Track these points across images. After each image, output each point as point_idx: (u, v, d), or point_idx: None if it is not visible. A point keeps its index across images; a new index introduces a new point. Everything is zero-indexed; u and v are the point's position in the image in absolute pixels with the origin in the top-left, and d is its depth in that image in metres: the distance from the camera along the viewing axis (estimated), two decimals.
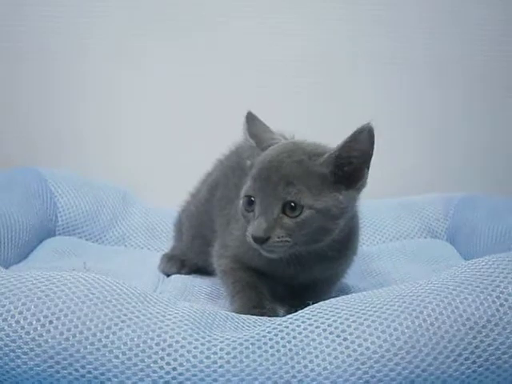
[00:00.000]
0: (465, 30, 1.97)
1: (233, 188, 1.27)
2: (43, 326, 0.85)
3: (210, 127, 1.90)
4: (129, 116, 2.02)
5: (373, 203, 1.76)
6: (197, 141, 1.90)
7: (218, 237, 1.30)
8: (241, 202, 1.12)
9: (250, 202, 1.09)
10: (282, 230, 1.05)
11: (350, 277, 1.39)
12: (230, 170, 1.34)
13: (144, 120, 2.01)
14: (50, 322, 0.85)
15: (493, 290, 0.88)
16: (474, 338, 0.84)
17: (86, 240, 1.68)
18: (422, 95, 2.01)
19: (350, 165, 1.09)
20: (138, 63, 1.99)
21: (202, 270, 1.43)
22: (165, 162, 2.00)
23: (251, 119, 1.17)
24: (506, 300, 0.87)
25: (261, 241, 1.05)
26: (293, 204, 1.05)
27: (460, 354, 0.83)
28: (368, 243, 1.66)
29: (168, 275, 1.46)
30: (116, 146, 2.03)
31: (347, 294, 1.03)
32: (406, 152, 2.03)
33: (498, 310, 0.86)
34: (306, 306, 0.94)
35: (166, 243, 1.61)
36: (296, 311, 0.93)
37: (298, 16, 1.98)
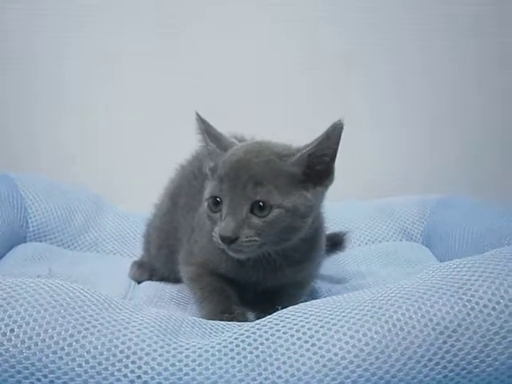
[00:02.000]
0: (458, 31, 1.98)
1: (196, 195, 1.26)
2: (4, 334, 0.83)
3: (184, 133, 1.88)
4: (101, 121, 2.01)
5: (349, 205, 1.75)
6: (170, 146, 1.88)
7: (184, 244, 1.29)
8: (205, 203, 1.10)
9: (216, 203, 1.08)
10: (250, 230, 1.04)
11: (324, 281, 1.38)
12: (192, 176, 1.33)
13: (117, 125, 2.00)
14: (12, 331, 0.83)
15: (463, 294, 0.87)
16: (445, 342, 0.83)
17: (58, 246, 1.64)
18: (408, 97, 2.02)
19: (322, 163, 1.08)
20: (112, 70, 1.98)
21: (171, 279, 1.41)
22: (138, 167, 1.99)
23: (202, 121, 1.14)
24: (477, 303, 0.86)
25: (229, 241, 1.04)
26: (261, 204, 1.04)
27: (430, 359, 0.82)
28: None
29: (139, 282, 1.44)
30: (88, 151, 2.01)
31: (319, 298, 1.01)
32: (384, 154, 2.03)
33: (468, 314, 0.85)
34: (274, 311, 0.92)
35: (138, 249, 1.57)
36: (264, 316, 0.91)
37: (289, 15, 1.97)
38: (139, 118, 1.99)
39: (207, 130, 1.14)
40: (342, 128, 1.06)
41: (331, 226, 1.40)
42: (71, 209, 1.70)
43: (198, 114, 1.14)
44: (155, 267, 1.45)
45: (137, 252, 1.58)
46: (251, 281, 1.17)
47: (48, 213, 1.66)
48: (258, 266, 1.12)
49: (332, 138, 1.06)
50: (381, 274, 1.44)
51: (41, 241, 1.64)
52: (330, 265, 1.48)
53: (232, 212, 1.05)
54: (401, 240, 1.69)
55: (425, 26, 1.97)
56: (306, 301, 0.97)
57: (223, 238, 1.04)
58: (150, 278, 1.44)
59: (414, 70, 2.00)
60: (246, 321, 1.05)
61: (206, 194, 1.11)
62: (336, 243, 1.43)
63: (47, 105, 1.99)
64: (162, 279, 1.43)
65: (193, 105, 1.91)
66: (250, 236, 1.04)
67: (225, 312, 1.10)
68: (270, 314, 0.92)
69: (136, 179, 1.97)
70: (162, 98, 1.98)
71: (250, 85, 2.00)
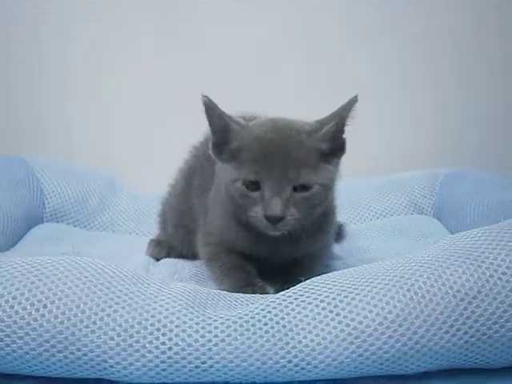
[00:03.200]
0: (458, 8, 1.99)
1: (208, 177, 1.28)
2: (37, 310, 0.85)
3: (195, 112, 1.90)
4: (115, 102, 2.03)
5: (359, 181, 1.77)
6: (183, 125, 1.90)
7: (200, 225, 1.30)
8: (238, 183, 1.10)
9: (253, 183, 1.09)
10: (294, 209, 1.08)
11: (339, 254, 1.40)
12: (204, 158, 1.34)
13: (130, 105, 2.02)
14: (44, 306, 0.85)
15: (482, 262, 0.89)
16: (465, 308, 0.85)
17: (74, 226, 1.67)
18: (411, 74, 2.03)
19: (339, 137, 1.12)
20: (123, 52, 2.00)
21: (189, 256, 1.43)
22: (151, 146, 2.00)
23: (212, 103, 1.12)
24: (496, 271, 0.88)
25: (276, 220, 1.06)
26: (303, 184, 1.08)
27: (451, 325, 0.85)
28: (355, 221, 1.67)
29: (157, 259, 1.46)
30: (103, 132, 2.03)
31: (337, 270, 1.03)
32: (393, 129, 2.05)
33: (487, 281, 0.87)
34: (298, 283, 0.94)
35: (153, 228, 1.59)
36: (288, 288, 0.93)
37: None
38: (150, 99, 2.00)
39: (221, 111, 1.13)
40: (356, 102, 1.10)
41: (343, 201, 1.42)
42: (87, 189, 1.73)
43: (205, 97, 1.12)
44: (173, 245, 1.47)
45: (152, 231, 1.60)
46: (269, 255, 1.19)
47: (64, 194, 1.69)
48: (276, 240, 1.14)
49: (348, 112, 1.10)
50: (393, 246, 1.46)
51: (57, 221, 1.67)
52: (344, 239, 1.51)
53: (277, 192, 1.07)
54: (412, 213, 1.71)
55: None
56: (326, 272, 0.99)
57: (270, 218, 1.06)
58: (168, 256, 1.46)
59: (417, 51, 2.02)
60: (267, 294, 1.07)
61: (240, 174, 1.10)
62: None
63: (56, 89, 2.02)
64: (180, 256, 1.45)
65: (202, 87, 1.94)
66: (294, 214, 1.08)
67: (246, 286, 1.12)
68: (293, 285, 0.94)
69: (149, 161, 1.99)
70: (172, 81, 1.99)
71: (252, 70, 2.01)
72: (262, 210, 1.07)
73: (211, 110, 1.12)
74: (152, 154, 1.99)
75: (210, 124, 1.14)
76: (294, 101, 1.97)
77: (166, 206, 1.50)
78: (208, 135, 1.34)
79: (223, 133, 1.14)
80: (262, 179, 1.08)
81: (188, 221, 1.37)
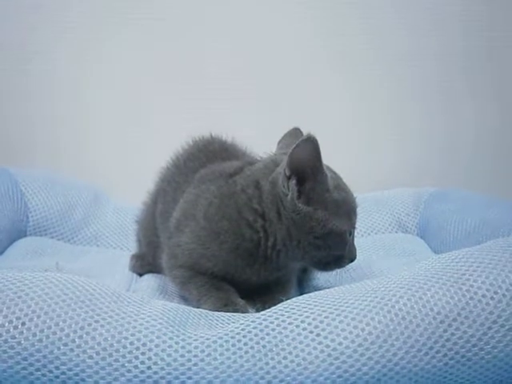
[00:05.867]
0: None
1: (170, 202, 1.29)
2: (16, 327, 0.84)
3: (183, 125, 1.90)
4: (101, 114, 2.02)
5: None
6: (169, 139, 1.90)
7: (164, 249, 1.29)
8: (347, 235, 1.17)
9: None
10: None
11: (322, 272, 1.40)
12: (167, 182, 1.35)
13: (116, 118, 2.02)
14: (23, 324, 0.84)
15: (463, 284, 0.89)
16: (445, 331, 0.85)
17: (58, 240, 1.66)
18: (399, 92, 2.05)
19: None
20: (108, 61, 2.00)
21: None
22: (137, 160, 2.00)
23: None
24: (476, 293, 0.88)
25: None
26: None
27: (431, 347, 0.84)
28: None
29: (141, 275, 1.46)
30: (88, 144, 2.03)
31: (319, 289, 1.03)
32: (378, 147, 2.05)
33: (467, 304, 0.87)
34: (279, 302, 0.94)
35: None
36: (268, 308, 0.94)
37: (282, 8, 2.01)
38: (137, 113, 2.00)
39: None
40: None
41: None
42: (71, 203, 1.72)
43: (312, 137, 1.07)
44: (150, 260, 1.46)
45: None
46: (243, 277, 1.18)
47: (48, 207, 1.68)
48: (252, 263, 1.16)
49: None
50: (377, 265, 1.46)
51: (41, 235, 1.66)
52: None
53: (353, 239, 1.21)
54: (396, 232, 1.71)
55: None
56: (308, 292, 0.99)
57: (353, 260, 1.20)
58: (150, 270, 1.45)
59: (405, 67, 2.03)
60: (247, 313, 1.07)
61: (345, 226, 1.16)
62: None
63: (42, 97, 2.01)
64: (159, 271, 1.44)
65: (191, 97, 1.94)
66: None
67: (227, 305, 1.11)
68: (274, 305, 0.94)
69: (135, 173, 1.98)
70: (161, 90, 2.00)
71: (241, 77, 2.02)
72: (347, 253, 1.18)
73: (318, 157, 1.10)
74: (139, 167, 1.98)
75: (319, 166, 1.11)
76: (291, 106, 1.98)
77: (139, 223, 1.50)
78: (175, 156, 1.36)
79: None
80: (352, 228, 1.19)
81: (157, 243, 1.36)
